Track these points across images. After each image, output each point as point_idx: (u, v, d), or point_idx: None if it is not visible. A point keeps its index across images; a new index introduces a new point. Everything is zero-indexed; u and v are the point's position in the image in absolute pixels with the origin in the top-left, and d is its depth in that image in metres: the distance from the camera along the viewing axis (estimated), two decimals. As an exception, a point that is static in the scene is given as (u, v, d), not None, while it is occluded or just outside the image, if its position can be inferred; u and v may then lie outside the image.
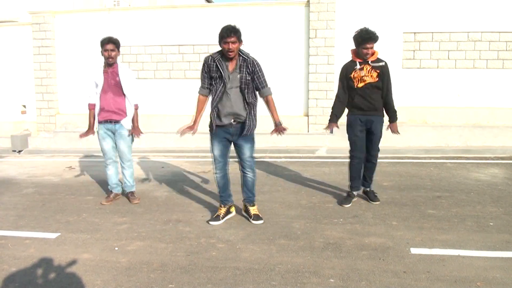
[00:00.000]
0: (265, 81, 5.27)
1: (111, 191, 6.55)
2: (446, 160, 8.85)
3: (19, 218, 5.85)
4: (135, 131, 6.30)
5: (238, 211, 5.72)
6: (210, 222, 5.39)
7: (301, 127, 11.59)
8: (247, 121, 5.26)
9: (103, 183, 7.42)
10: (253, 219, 5.40)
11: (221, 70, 5.05)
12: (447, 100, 10.99)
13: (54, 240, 5.06)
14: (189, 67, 12.11)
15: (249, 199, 5.55)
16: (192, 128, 5.33)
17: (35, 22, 12.75)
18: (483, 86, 10.80)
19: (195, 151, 10.16)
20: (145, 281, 3.99)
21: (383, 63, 5.81)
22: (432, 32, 10.82)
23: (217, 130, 5.29)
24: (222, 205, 5.55)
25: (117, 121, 6.22)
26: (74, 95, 12.78)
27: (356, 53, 5.82)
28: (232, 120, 5.22)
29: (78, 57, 12.55)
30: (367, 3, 11.03)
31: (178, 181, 7.62)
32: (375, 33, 5.68)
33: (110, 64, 6.20)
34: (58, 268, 4.31)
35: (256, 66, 5.14)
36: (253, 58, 5.18)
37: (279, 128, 5.55)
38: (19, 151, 11.96)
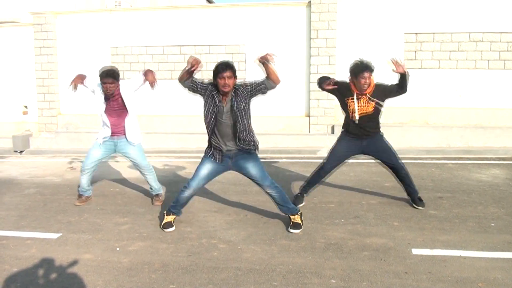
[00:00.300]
0: (259, 81, 5.01)
1: (82, 193, 6.51)
2: (447, 161, 8.85)
3: (20, 219, 5.86)
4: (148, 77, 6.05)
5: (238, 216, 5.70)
6: (166, 230, 5.26)
7: (302, 127, 11.59)
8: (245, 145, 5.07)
9: (104, 184, 7.44)
10: (290, 228, 5.16)
11: (217, 102, 4.88)
12: (448, 100, 10.99)
13: (56, 240, 5.07)
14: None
15: (289, 213, 5.28)
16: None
17: (36, 23, 12.76)
18: (484, 87, 10.80)
19: (196, 152, 10.15)
20: (147, 282, 3.99)
21: (380, 91, 5.67)
22: (434, 33, 10.82)
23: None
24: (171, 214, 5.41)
25: (123, 136, 6.16)
26: (76, 96, 12.68)
27: (354, 84, 5.57)
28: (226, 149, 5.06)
29: (79, 58, 12.56)
30: (368, 4, 11.03)
31: (179, 182, 7.62)
32: (371, 64, 5.51)
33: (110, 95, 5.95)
34: (60, 269, 4.32)
35: (248, 85, 4.96)
36: (240, 84, 4.99)
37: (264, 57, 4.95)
38: (21, 152, 11.97)
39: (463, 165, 8.41)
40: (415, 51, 10.96)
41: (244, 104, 4.90)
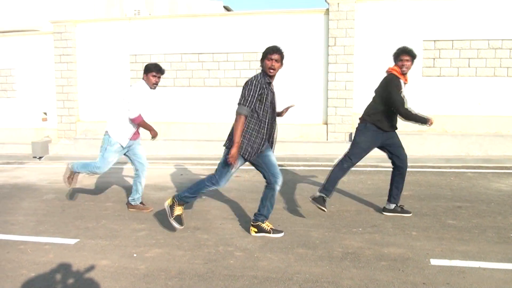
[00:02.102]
0: None
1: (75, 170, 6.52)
2: (466, 170, 8.75)
3: (39, 224, 5.91)
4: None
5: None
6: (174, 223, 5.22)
7: (320, 135, 11.56)
8: (274, 135, 5.24)
9: (123, 190, 7.48)
10: (273, 233, 5.21)
11: (271, 91, 4.98)
12: (467, 108, 10.89)
13: (73, 246, 5.10)
14: (208, 75, 12.18)
15: (267, 217, 5.29)
16: (236, 153, 4.85)
17: (56, 31, 12.96)
18: (504, 95, 10.68)
19: (214, 159, 10.16)
20: (163, 289, 4.00)
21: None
22: (452, 40, 10.75)
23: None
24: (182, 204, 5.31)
25: (138, 137, 6.42)
26: (94, 103, 12.93)
27: (398, 70, 5.66)
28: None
29: (98, 66, 12.71)
30: (386, 11, 10.99)
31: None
32: (414, 50, 5.62)
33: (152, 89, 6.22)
34: (77, 274, 4.34)
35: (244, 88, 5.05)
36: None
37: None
38: (40, 158, 12.11)
39: (482, 174, 8.31)
40: (434, 59, 10.89)
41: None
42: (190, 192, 5.20)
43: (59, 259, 4.70)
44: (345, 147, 10.49)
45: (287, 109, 5.36)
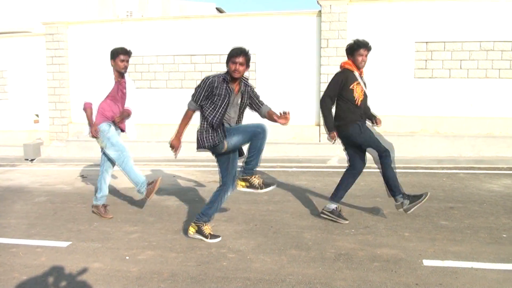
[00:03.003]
0: (259, 100, 5.17)
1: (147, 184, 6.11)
2: (458, 171, 8.78)
3: (30, 227, 5.88)
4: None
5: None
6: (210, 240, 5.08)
7: (313, 136, 11.58)
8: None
9: (115, 192, 7.44)
10: (263, 188, 5.02)
11: (229, 91, 4.87)
12: (459, 110, 10.93)
13: (65, 248, 5.07)
14: (201, 76, 12.14)
15: (254, 168, 5.08)
16: (178, 143, 5.32)
17: (48, 33, 12.91)
18: (495, 96, 10.74)
19: (207, 161, 10.14)
20: (156, 291, 3.99)
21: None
22: (444, 42, 10.79)
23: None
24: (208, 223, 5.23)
25: (122, 131, 6.29)
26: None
27: (352, 63, 5.63)
28: None
29: (90, 67, 12.66)
30: (378, 13, 11.03)
31: (189, 191, 7.63)
32: (369, 43, 5.66)
33: (122, 75, 6.13)
34: (69, 277, 4.32)
35: (253, 90, 5.16)
36: (251, 85, 5.17)
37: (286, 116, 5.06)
38: (32, 160, 12.05)
39: (475, 175, 8.35)
40: (426, 60, 10.93)
41: (248, 101, 5.05)
42: (208, 206, 5.21)
43: (51, 262, 4.68)
44: (338, 148, 10.52)
45: (283, 115, 5.08)
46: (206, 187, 7.90)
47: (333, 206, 5.76)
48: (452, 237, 5.08)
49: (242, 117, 5.14)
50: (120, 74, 6.11)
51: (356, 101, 5.54)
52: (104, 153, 6.29)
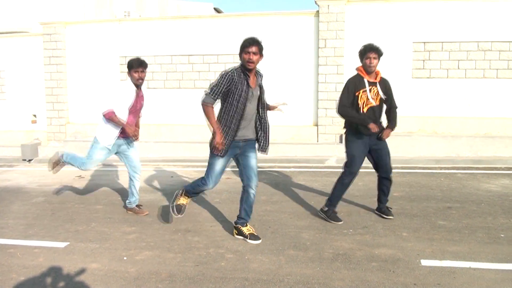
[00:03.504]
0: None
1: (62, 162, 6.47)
2: (456, 171, 8.79)
3: (28, 227, 5.87)
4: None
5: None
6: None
7: (311, 136, 11.58)
8: (263, 134, 5.11)
9: (113, 192, 7.44)
10: (250, 239, 5.09)
11: (246, 85, 4.82)
12: (457, 110, 10.94)
13: (63, 249, 5.07)
14: (198, 77, 12.16)
15: (246, 220, 5.24)
16: (222, 137, 4.89)
17: (46, 33, 12.88)
18: (493, 96, 10.75)
19: (204, 161, 10.12)
20: (154, 292, 3.98)
21: (387, 82, 5.64)
22: (442, 42, 10.80)
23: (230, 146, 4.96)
24: (187, 196, 5.42)
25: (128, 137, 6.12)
26: (84, 105, 12.87)
27: (362, 68, 5.54)
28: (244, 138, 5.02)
29: (88, 67, 12.65)
30: (376, 13, 11.03)
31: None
32: (379, 47, 5.46)
33: (138, 86, 6.00)
34: (67, 278, 4.31)
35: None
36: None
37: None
38: (29, 160, 12.03)
39: (472, 175, 8.36)
40: (424, 60, 10.94)
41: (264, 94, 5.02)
42: (187, 187, 5.43)
43: (49, 262, 4.67)
44: (336, 148, 10.63)
45: (276, 106, 5.30)
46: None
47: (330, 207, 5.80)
48: (450, 237, 5.09)
49: (265, 112, 5.08)
50: (136, 86, 5.98)
51: (361, 109, 5.44)
52: (124, 160, 6.31)
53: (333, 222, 5.64)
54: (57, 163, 6.47)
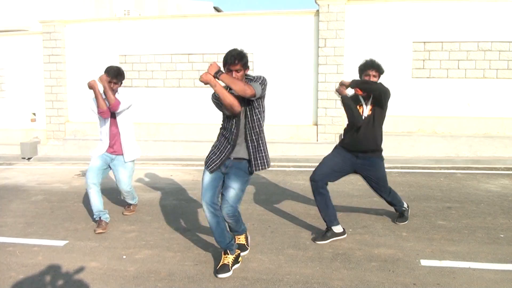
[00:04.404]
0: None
1: (100, 217, 5.65)
2: (456, 171, 8.79)
3: (27, 226, 5.87)
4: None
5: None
6: (219, 275, 4.23)
7: (310, 136, 11.57)
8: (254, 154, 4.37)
9: (112, 191, 7.42)
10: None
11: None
12: (457, 110, 10.94)
13: (62, 247, 5.06)
14: (198, 76, 12.12)
15: (238, 233, 4.71)
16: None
17: (45, 31, 12.86)
18: (493, 96, 10.74)
19: (204, 160, 10.13)
20: (153, 291, 3.98)
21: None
22: (442, 42, 10.79)
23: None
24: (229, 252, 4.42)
25: (120, 154, 5.82)
26: (84, 103, 12.84)
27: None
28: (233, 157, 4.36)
29: (88, 66, 12.63)
30: (376, 13, 11.02)
31: (186, 190, 7.62)
32: (380, 65, 5.10)
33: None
34: (66, 276, 4.31)
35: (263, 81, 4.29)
36: (258, 77, 4.30)
37: None
38: (29, 159, 12.02)
39: (472, 175, 8.35)
40: (424, 60, 10.93)
41: (259, 103, 4.29)
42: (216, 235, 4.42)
43: (48, 261, 4.67)
44: (335, 148, 10.58)
45: None
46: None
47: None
48: (450, 237, 5.09)
49: (252, 132, 4.30)
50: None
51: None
52: (115, 174, 6.02)
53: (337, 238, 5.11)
54: (97, 225, 5.67)
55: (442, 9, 10.73)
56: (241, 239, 4.73)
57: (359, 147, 5.16)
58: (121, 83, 5.77)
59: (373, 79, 5.04)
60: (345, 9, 11.09)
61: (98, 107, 5.64)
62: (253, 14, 11.88)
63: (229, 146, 4.31)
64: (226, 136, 4.32)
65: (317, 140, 11.47)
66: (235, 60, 4.18)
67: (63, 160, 11.46)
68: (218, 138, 4.46)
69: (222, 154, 4.35)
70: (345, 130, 5.41)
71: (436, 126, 10.99)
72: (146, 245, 5.08)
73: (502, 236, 5.11)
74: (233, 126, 4.26)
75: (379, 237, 5.14)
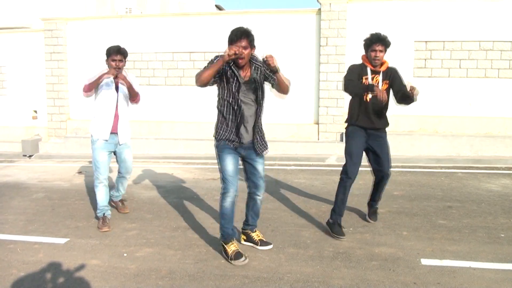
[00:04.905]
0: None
1: (104, 214, 5.65)
2: (457, 170, 8.78)
3: (28, 223, 5.87)
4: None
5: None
6: (234, 262, 4.42)
7: (311, 135, 11.57)
8: (259, 139, 4.55)
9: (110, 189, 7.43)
10: (260, 245, 4.86)
11: (236, 75, 4.29)
12: (458, 109, 10.93)
13: (63, 245, 5.07)
14: (199, 74, 12.12)
15: (255, 225, 4.99)
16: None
17: (47, 29, 12.86)
18: (494, 96, 10.74)
19: (205, 158, 10.15)
20: (153, 288, 3.98)
21: (394, 70, 5.19)
22: (444, 41, 10.78)
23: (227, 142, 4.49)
24: (233, 240, 4.62)
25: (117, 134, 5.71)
26: (85, 101, 12.82)
27: (366, 58, 5.16)
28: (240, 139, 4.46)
29: (89, 64, 12.62)
30: (378, 12, 11.01)
31: (187, 188, 7.62)
32: (386, 37, 5.01)
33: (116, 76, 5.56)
34: (67, 274, 4.31)
35: (263, 66, 4.36)
36: (258, 60, 4.43)
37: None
38: (30, 156, 12.03)
39: (473, 175, 8.35)
40: (425, 59, 10.92)
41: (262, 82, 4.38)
42: (220, 222, 4.59)
43: (49, 258, 4.67)
44: (336, 147, 10.61)
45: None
46: (204, 184, 7.89)
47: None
48: (450, 237, 5.09)
49: (258, 118, 4.51)
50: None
51: (365, 97, 5.09)
52: (118, 159, 5.95)
53: (336, 236, 5.07)
54: (102, 222, 5.63)
55: (444, 8, 10.72)
56: (259, 235, 4.95)
57: (375, 125, 5.21)
58: (125, 60, 5.68)
59: (379, 54, 4.98)
60: (347, 8, 11.09)
61: (88, 85, 5.49)
62: (255, 12, 11.88)
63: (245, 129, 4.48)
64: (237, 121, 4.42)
65: (318, 139, 11.47)
66: (242, 35, 4.14)
67: (64, 158, 11.47)
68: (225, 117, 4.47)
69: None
70: (352, 106, 5.28)
71: (437, 126, 10.99)
72: (147, 243, 5.08)
73: (502, 235, 5.11)
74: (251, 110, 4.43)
75: (379, 236, 5.14)
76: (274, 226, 5.51)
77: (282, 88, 4.46)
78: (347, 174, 5.13)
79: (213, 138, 4.61)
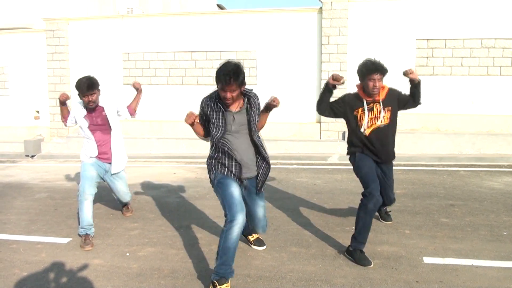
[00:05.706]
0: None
1: (87, 233, 5.11)
2: (459, 168, 8.77)
3: (31, 223, 5.88)
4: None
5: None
6: None
7: (313, 133, 11.56)
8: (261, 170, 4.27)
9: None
10: (255, 244, 4.82)
11: (222, 110, 3.99)
12: (460, 107, 10.91)
13: (66, 245, 5.08)
14: (201, 73, 12.14)
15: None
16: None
17: (49, 29, 12.88)
18: (496, 94, 10.71)
19: (206, 157, 10.13)
20: (156, 288, 3.98)
21: (394, 92, 4.94)
22: (445, 39, 10.76)
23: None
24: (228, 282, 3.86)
25: (109, 162, 5.47)
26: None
27: (362, 89, 4.77)
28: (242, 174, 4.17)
29: (91, 63, 12.64)
30: (380, 10, 11.00)
31: (189, 187, 7.63)
32: (383, 65, 4.65)
33: (92, 108, 5.34)
34: (69, 273, 4.32)
35: (258, 101, 4.17)
36: (255, 94, 4.15)
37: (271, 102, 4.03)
38: (32, 156, 12.05)
39: (475, 173, 8.34)
40: (427, 57, 10.90)
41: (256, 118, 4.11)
42: (221, 257, 3.84)
43: (52, 258, 4.68)
44: (338, 145, 10.60)
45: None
46: (206, 184, 7.88)
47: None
48: (453, 235, 5.08)
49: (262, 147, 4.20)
50: (88, 108, 5.40)
51: (364, 131, 4.77)
52: (112, 187, 5.78)
53: (362, 265, 4.36)
54: (84, 240, 5.10)
55: (445, 6, 10.70)
56: (254, 236, 4.91)
57: (383, 159, 4.92)
58: (99, 90, 5.40)
59: (378, 83, 4.58)
60: (348, 6, 11.07)
61: (63, 116, 5.45)
62: (256, 11, 11.88)
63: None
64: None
65: (320, 138, 11.47)
66: (230, 79, 3.73)
67: (66, 158, 11.48)
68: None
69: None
70: (356, 138, 4.93)
71: (439, 124, 10.97)
72: (149, 242, 5.09)
73: (505, 233, 5.10)
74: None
75: (382, 235, 5.14)
76: (276, 225, 5.51)
77: (261, 123, 4.27)
78: (368, 190, 4.54)
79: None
